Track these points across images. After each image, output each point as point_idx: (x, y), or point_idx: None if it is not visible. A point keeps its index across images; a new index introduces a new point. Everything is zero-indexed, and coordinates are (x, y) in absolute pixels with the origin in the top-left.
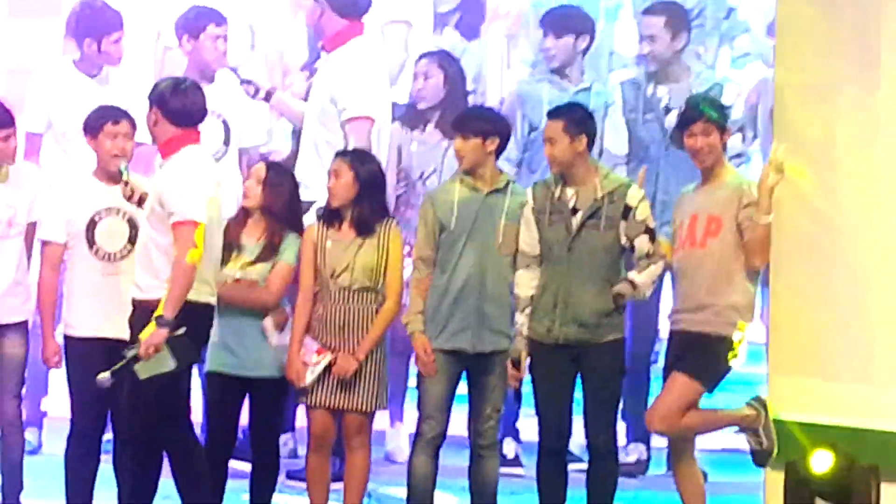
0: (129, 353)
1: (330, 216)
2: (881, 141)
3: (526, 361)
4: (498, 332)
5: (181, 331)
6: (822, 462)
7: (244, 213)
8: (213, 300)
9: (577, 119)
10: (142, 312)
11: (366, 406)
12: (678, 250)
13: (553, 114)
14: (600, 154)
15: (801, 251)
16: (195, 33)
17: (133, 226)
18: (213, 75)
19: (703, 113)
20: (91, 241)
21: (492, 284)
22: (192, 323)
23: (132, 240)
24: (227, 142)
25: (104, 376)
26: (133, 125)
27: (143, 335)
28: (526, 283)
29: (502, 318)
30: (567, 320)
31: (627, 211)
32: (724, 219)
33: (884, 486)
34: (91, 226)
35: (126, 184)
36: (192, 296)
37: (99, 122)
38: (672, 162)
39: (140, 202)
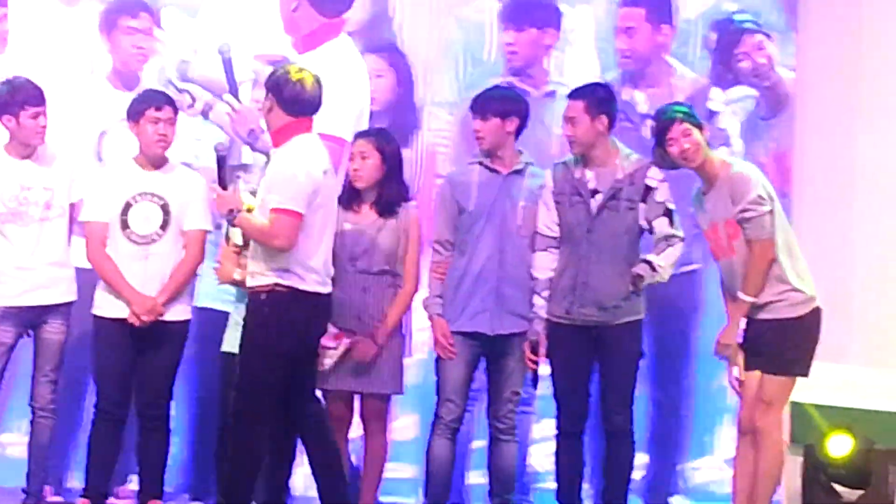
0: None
1: (349, 198)
2: None
3: (544, 344)
4: (517, 315)
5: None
6: (840, 446)
7: None
8: (323, 290)
9: (599, 99)
10: (254, 298)
11: (385, 389)
12: (718, 260)
13: (574, 94)
14: None
15: (819, 235)
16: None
17: (166, 211)
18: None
19: (674, 116)
20: (125, 224)
21: (511, 266)
22: (303, 312)
23: (164, 225)
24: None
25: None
26: (175, 111)
27: (220, 203)
28: (545, 265)
29: (521, 300)
30: (586, 302)
31: (647, 192)
32: (735, 219)
33: None
34: (126, 209)
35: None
36: (301, 285)
37: (141, 107)
38: None
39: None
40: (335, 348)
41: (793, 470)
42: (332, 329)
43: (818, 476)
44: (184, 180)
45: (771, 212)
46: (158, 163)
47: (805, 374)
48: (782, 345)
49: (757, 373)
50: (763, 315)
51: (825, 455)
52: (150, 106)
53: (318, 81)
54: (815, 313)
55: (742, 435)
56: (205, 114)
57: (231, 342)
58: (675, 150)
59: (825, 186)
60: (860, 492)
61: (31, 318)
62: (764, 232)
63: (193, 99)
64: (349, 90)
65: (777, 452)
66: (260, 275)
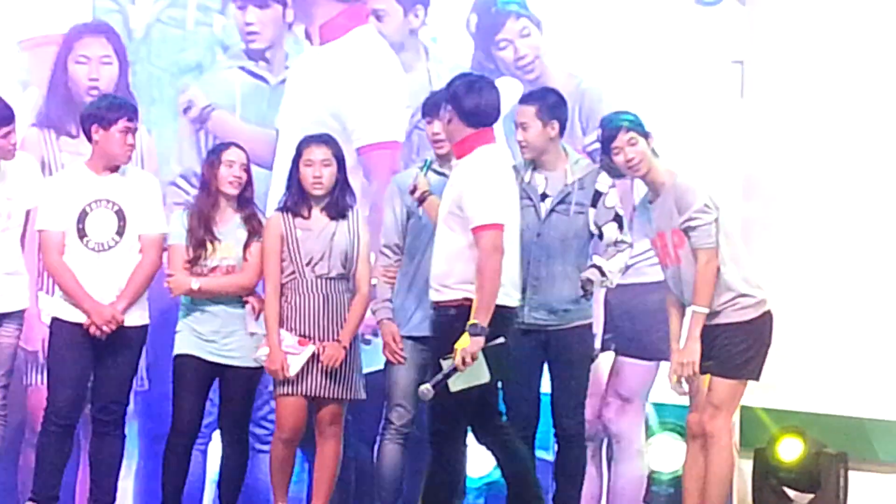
0: (447, 364)
1: (296, 205)
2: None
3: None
4: None
5: (500, 340)
6: (790, 449)
7: (215, 203)
8: (510, 302)
9: (550, 104)
10: (440, 313)
11: (348, 394)
12: (665, 269)
13: (525, 99)
14: None
15: (771, 240)
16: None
17: (122, 217)
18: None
19: (620, 125)
20: (82, 233)
21: None
22: (494, 324)
23: (120, 232)
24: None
25: (426, 388)
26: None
27: (459, 345)
28: None
29: None
30: (536, 306)
31: (597, 197)
32: (681, 228)
33: (851, 473)
34: (82, 216)
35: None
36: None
37: (114, 115)
38: None
39: (421, 201)
40: (301, 354)
41: (743, 474)
42: (292, 336)
43: (769, 480)
44: (138, 183)
45: (716, 220)
46: (112, 167)
47: (755, 378)
48: (732, 348)
49: (706, 376)
50: (713, 321)
51: (776, 459)
52: (124, 116)
53: (495, 88)
54: (766, 317)
55: (692, 439)
56: (202, 120)
57: (182, 344)
58: (620, 158)
59: (772, 191)
60: (811, 495)
61: None
62: (709, 240)
63: (191, 104)
64: (391, 86)
65: (727, 456)
66: (447, 289)
